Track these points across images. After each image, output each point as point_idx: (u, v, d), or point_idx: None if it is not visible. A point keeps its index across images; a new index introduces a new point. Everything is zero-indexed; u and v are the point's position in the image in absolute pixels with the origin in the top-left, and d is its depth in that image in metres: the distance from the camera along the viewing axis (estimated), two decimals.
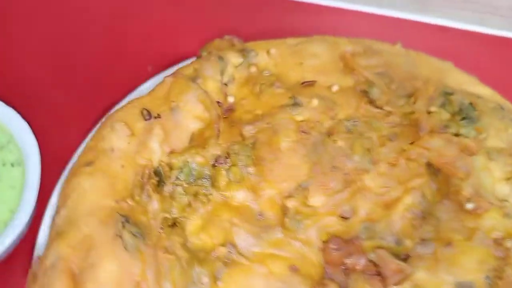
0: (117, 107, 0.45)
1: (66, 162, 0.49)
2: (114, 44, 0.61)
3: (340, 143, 0.38)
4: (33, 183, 0.49)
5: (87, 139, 0.45)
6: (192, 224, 0.38)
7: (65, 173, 0.47)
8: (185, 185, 0.39)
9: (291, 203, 0.36)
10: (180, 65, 0.58)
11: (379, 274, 0.35)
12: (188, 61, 0.58)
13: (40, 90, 0.60)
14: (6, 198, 0.50)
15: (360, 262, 0.35)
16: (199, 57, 0.51)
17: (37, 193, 0.49)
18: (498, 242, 0.36)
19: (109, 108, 0.51)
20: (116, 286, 0.33)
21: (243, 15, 0.63)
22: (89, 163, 0.39)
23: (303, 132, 0.39)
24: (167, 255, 0.35)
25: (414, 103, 0.42)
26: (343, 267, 0.35)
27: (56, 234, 0.36)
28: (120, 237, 0.35)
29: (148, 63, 0.59)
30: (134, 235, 0.35)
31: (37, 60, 0.61)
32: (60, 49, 0.61)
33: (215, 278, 0.35)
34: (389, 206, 0.37)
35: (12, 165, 0.51)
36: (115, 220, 0.35)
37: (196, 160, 0.39)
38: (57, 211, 0.38)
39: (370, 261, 0.35)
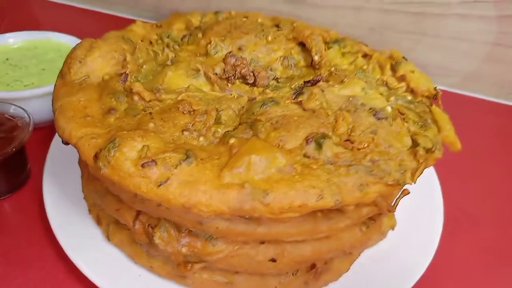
0: None
1: None
2: None
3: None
4: None
5: None
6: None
7: None
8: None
9: (214, 41, 0.67)
10: None
11: (254, 82, 0.63)
12: None
13: None
14: None
15: (245, 70, 0.63)
16: None
17: None
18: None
19: None
20: None
21: None
22: None
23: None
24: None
25: None
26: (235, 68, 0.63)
27: None
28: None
29: None
30: None
31: None
32: None
33: None
34: (270, 53, 0.67)
35: None
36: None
37: (174, 32, 0.73)
38: None
39: (251, 71, 0.63)
